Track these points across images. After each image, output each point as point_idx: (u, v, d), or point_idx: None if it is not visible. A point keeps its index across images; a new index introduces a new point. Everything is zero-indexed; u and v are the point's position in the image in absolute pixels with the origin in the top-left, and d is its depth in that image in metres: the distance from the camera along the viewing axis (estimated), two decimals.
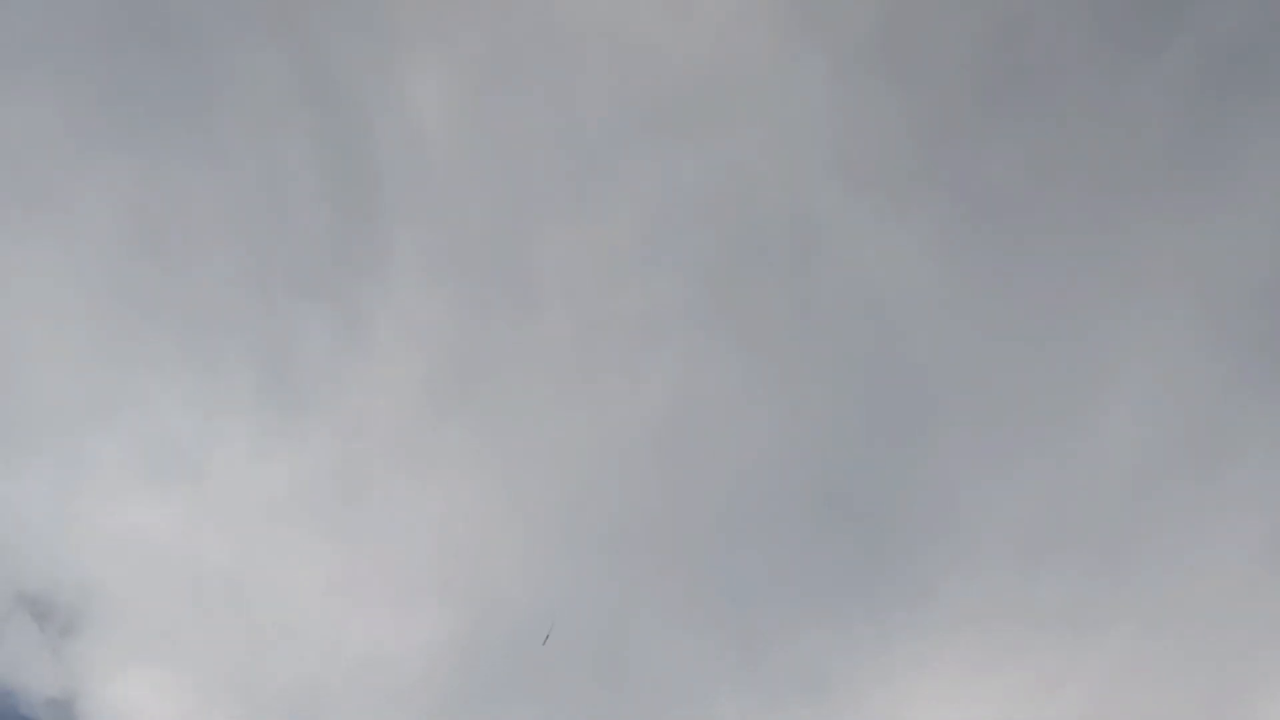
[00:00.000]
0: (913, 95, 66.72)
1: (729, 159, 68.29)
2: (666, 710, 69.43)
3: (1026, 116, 66.37)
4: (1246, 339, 67.40)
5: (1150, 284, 66.56)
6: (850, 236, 67.69)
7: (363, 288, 69.64)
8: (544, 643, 65.02)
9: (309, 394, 69.56)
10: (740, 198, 67.86)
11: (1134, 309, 66.98)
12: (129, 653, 67.68)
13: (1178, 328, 67.75)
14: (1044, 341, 67.69)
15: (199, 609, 68.60)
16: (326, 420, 69.56)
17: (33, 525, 66.28)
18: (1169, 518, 68.27)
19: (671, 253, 68.67)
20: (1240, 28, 63.19)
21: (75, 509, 66.99)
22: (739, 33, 67.30)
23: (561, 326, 69.69)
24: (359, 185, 68.98)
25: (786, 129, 67.97)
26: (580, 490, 69.45)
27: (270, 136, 67.65)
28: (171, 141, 66.52)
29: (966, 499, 67.86)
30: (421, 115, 68.52)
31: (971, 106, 66.64)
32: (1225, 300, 67.07)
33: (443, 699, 69.64)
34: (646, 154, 68.19)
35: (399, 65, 67.79)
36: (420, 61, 68.10)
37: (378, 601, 70.07)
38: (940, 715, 67.51)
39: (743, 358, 69.03)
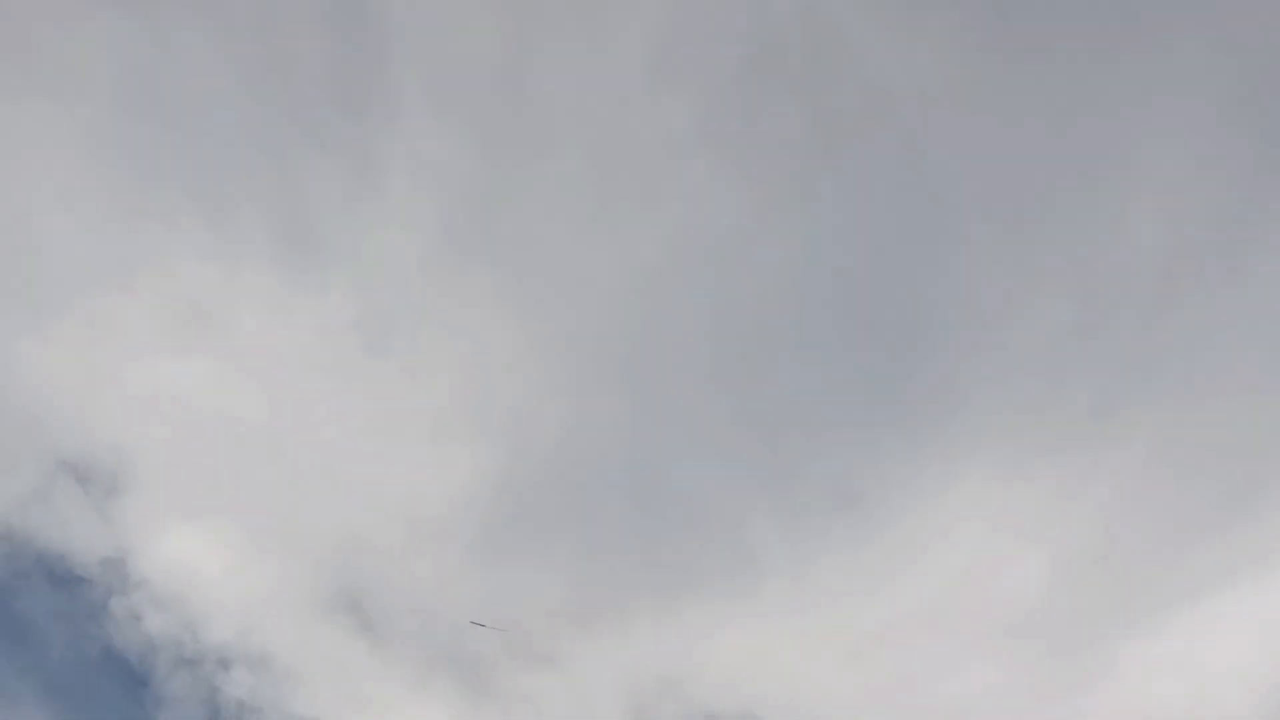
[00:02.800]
0: None
1: None
2: (699, 530, 70.58)
3: None
4: (1273, 133, 66.23)
5: (1176, 76, 65.14)
6: (865, 41, 66.17)
7: (372, 133, 68.78)
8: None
9: (326, 244, 69.32)
10: (752, 7, 66.21)
11: (1156, 103, 65.72)
12: (173, 509, 68.80)
13: (1202, 122, 66.56)
14: (1066, 142, 66.69)
15: (236, 462, 69.48)
16: (346, 269, 69.43)
17: (65, 391, 66.81)
18: (1194, 317, 68.11)
19: (682, 72, 67.35)
20: None
21: (104, 371, 67.43)
22: None
23: (574, 157, 68.86)
24: (361, 28, 67.57)
25: None
26: (603, 320, 69.53)
27: None
28: None
29: (992, 307, 67.72)
30: None
31: None
32: (1253, 92, 65.72)
33: (481, 532, 70.92)
34: None
35: None
36: None
37: (411, 443, 70.85)
38: (968, 521, 68.36)
39: (760, 175, 68.24)
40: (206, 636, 67.14)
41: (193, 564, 68.65)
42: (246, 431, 69.70)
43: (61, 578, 66.95)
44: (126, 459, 67.63)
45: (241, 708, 66.62)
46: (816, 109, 66.96)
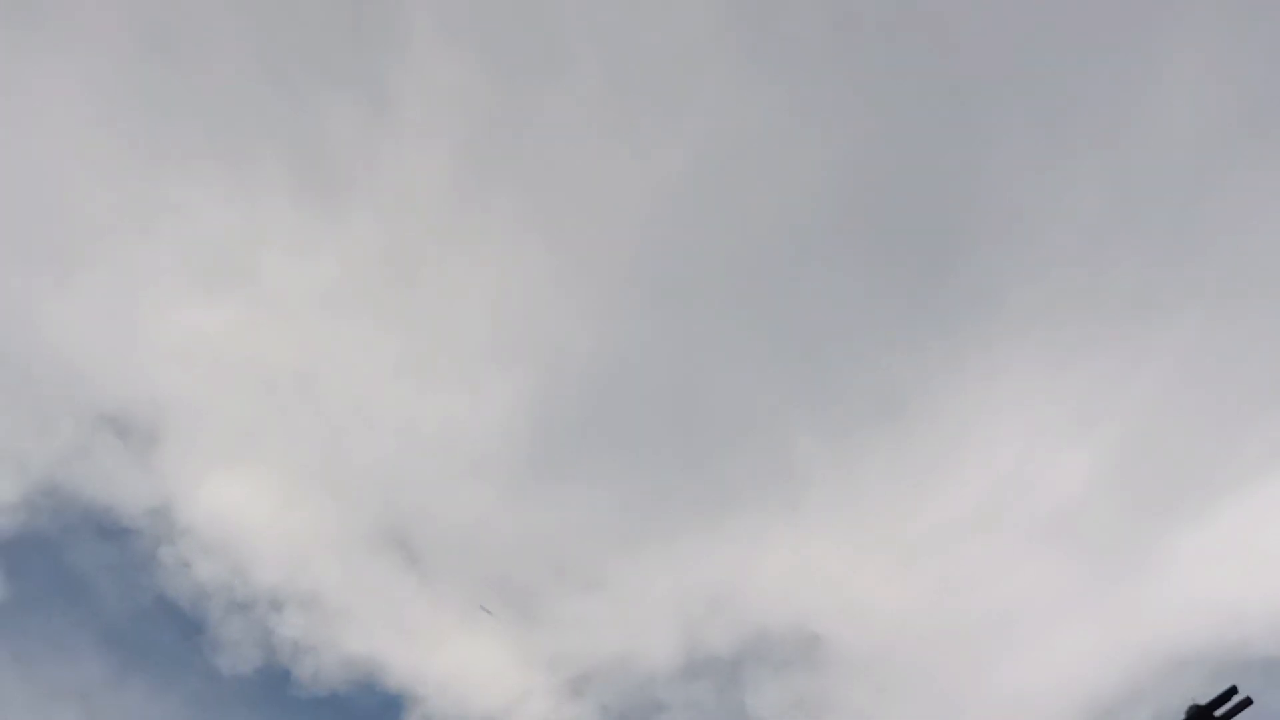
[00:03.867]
0: None
1: None
2: (742, 446, 70.17)
3: None
4: None
5: None
6: None
7: (385, 64, 67.76)
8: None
9: (346, 180, 68.60)
10: None
11: None
12: (213, 457, 68.76)
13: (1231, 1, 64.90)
14: (1096, 31, 65.12)
15: (272, 406, 69.33)
16: (367, 205, 68.78)
17: (97, 345, 66.59)
18: (1232, 199, 66.74)
19: None
20: None
21: (134, 323, 67.19)
22: None
23: (590, 72, 67.68)
24: None
25: None
26: (632, 238, 68.75)
27: None
28: None
29: (1028, 198, 66.55)
30: None
31: None
32: None
33: (523, 461, 70.71)
34: None
35: None
36: None
37: (445, 378, 70.51)
38: (1012, 421, 67.66)
39: (785, 82, 66.96)
40: (256, 580, 67.33)
41: (237, 509, 68.73)
42: (279, 374, 69.51)
43: (110, 530, 67.16)
44: (163, 410, 67.52)
45: (296, 647, 66.95)
46: (840, 5, 65.55)
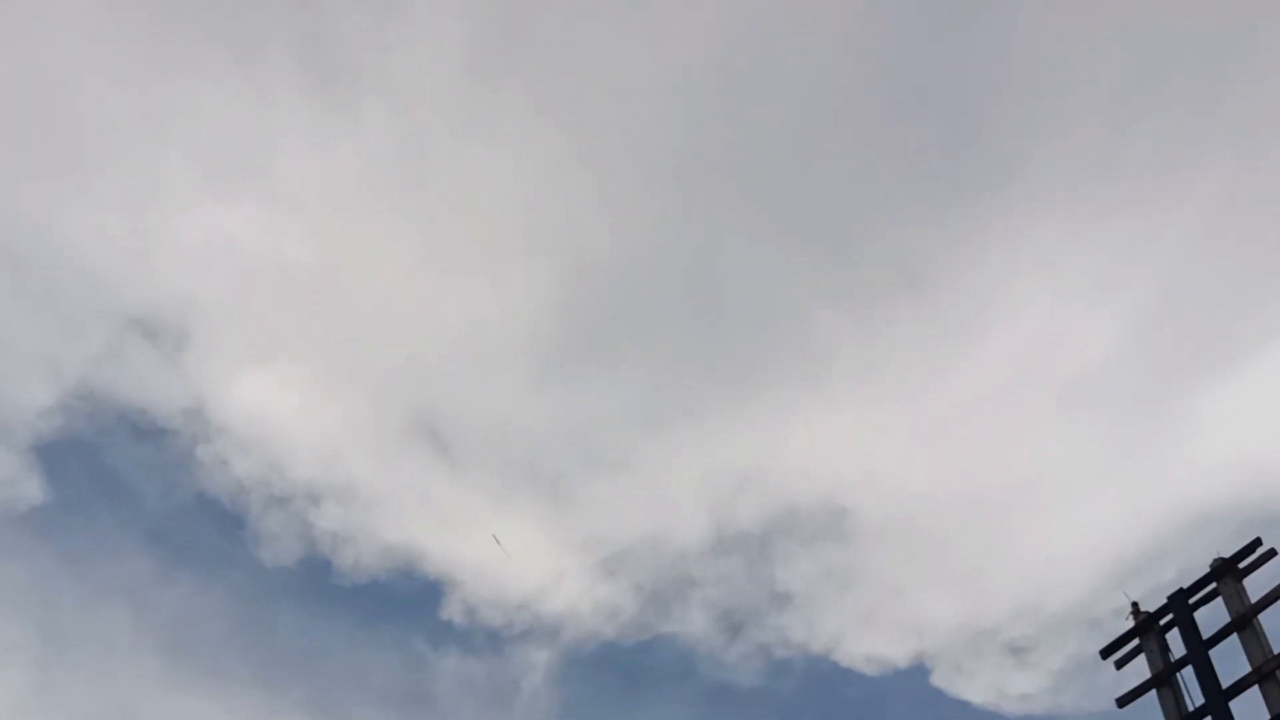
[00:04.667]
0: None
1: None
2: (765, 326, 70.47)
3: None
4: None
5: None
6: None
7: None
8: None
9: (356, 74, 67.83)
10: None
11: None
12: (242, 356, 69.64)
13: None
14: None
15: (296, 303, 69.92)
16: (380, 97, 68.10)
17: (119, 249, 66.98)
18: (1258, 57, 65.11)
19: None
20: None
21: (154, 226, 67.45)
22: None
23: None
24: None
25: None
26: (648, 123, 68.03)
27: None
28: None
29: (1046, 65, 65.24)
30: None
31: None
32: None
33: (548, 348, 71.30)
34: None
35: None
36: None
37: (467, 269, 70.79)
38: (1035, 289, 67.48)
39: None
40: (292, 475, 68.74)
41: (269, 407, 69.87)
42: (302, 272, 69.89)
43: (146, 431, 68.55)
44: (189, 311, 68.22)
45: (335, 538, 68.68)
46: None
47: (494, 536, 65.82)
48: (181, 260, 67.75)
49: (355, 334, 70.59)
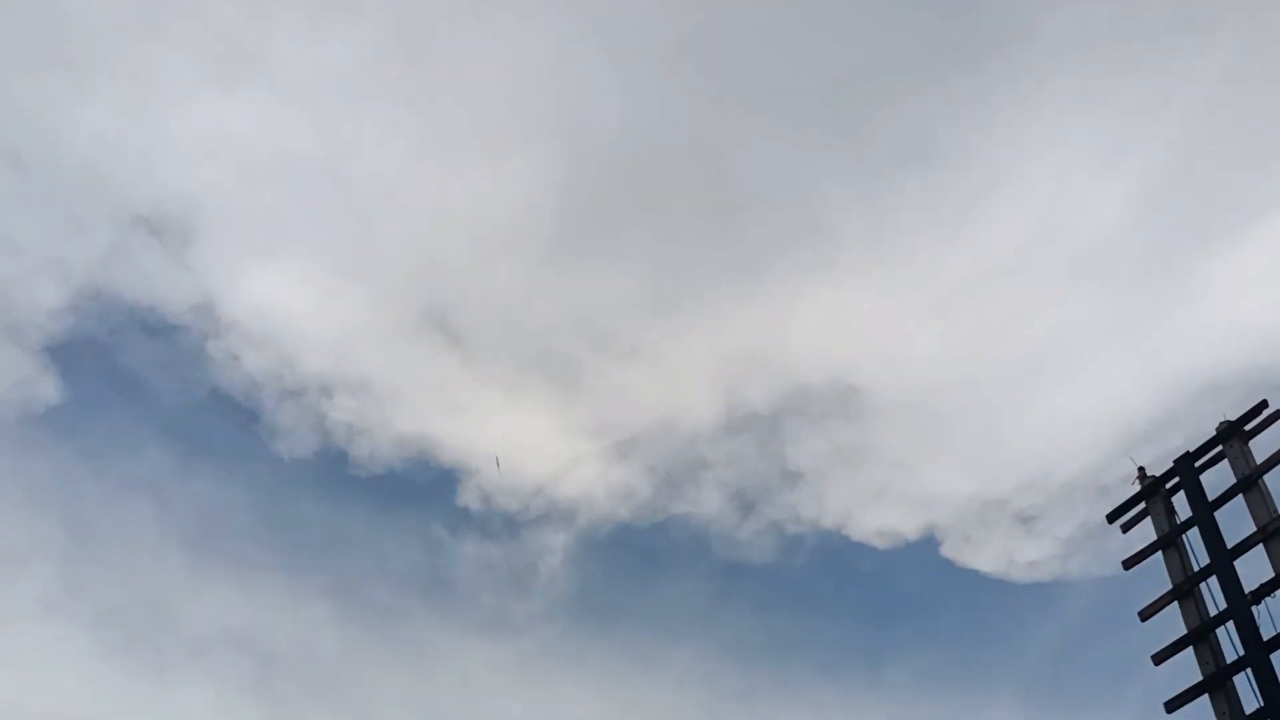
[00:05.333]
0: None
1: None
2: (773, 205, 69.82)
3: None
4: None
5: None
6: None
7: None
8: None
9: None
10: None
11: None
12: (247, 251, 69.41)
13: None
14: None
15: (300, 196, 69.41)
16: None
17: (120, 147, 66.31)
18: None
19: None
20: None
21: (154, 122, 66.64)
22: None
23: None
24: None
25: None
26: (652, 1, 66.39)
27: None
28: None
29: None
30: None
31: None
32: None
33: (555, 236, 70.98)
34: None
35: None
36: None
37: (469, 156, 69.95)
38: (1044, 158, 66.59)
39: None
40: (304, 368, 69.07)
41: (277, 301, 69.91)
42: (304, 165, 69.21)
43: (156, 328, 68.76)
44: (194, 207, 67.79)
45: (350, 430, 69.35)
46: None
47: (496, 460, 66.60)
48: (183, 156, 67.19)
49: (361, 225, 70.26)
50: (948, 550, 67.07)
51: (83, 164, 65.69)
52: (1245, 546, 21.18)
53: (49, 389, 64.83)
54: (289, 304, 70.05)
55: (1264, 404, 21.84)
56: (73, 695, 62.60)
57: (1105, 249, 66.33)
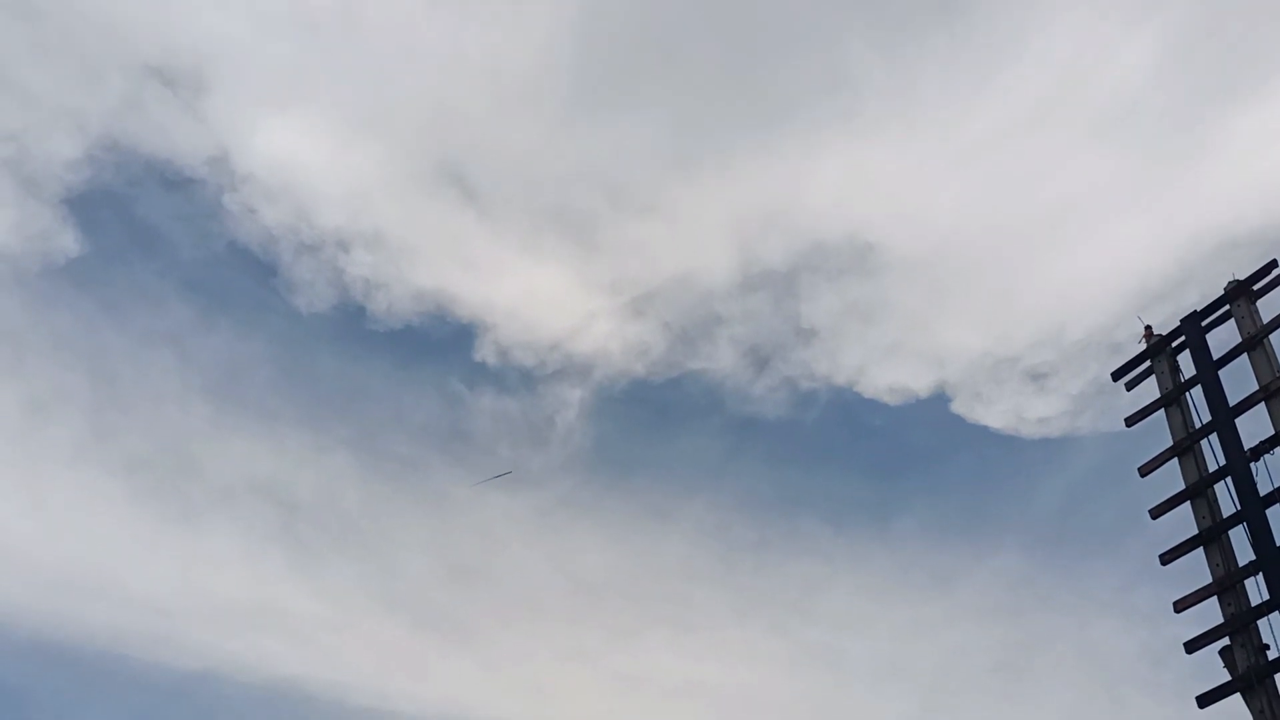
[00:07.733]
0: None
1: None
2: (794, 57, 68.43)
3: None
4: None
5: None
6: None
7: None
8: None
9: None
10: None
11: None
12: (262, 103, 68.55)
13: None
14: None
15: (314, 47, 68.17)
16: None
17: None
18: None
19: None
20: None
21: None
22: None
23: None
24: None
25: None
26: None
27: None
28: None
29: None
30: None
31: None
32: None
33: (571, 88, 69.84)
34: None
35: None
36: None
37: (488, 6, 68.39)
38: (1071, 8, 64.83)
39: None
40: (321, 222, 68.91)
41: (293, 154, 69.35)
42: (317, 13, 67.87)
43: (173, 181, 68.46)
44: (206, 57, 66.71)
45: (367, 284, 69.64)
46: None
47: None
48: (194, 3, 65.98)
49: (376, 76, 69.27)
50: (958, 406, 67.74)
51: (93, 13, 64.62)
52: (1247, 404, 21.43)
53: (69, 241, 65.11)
54: (304, 157, 69.59)
55: (1274, 264, 21.80)
56: (106, 538, 64.91)
57: (1128, 105, 65.05)
